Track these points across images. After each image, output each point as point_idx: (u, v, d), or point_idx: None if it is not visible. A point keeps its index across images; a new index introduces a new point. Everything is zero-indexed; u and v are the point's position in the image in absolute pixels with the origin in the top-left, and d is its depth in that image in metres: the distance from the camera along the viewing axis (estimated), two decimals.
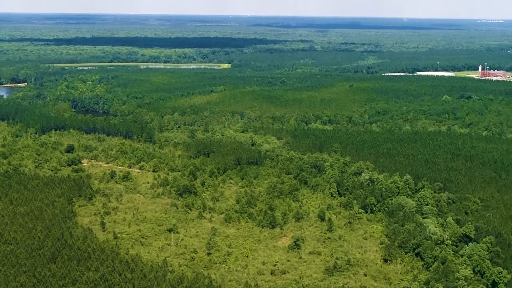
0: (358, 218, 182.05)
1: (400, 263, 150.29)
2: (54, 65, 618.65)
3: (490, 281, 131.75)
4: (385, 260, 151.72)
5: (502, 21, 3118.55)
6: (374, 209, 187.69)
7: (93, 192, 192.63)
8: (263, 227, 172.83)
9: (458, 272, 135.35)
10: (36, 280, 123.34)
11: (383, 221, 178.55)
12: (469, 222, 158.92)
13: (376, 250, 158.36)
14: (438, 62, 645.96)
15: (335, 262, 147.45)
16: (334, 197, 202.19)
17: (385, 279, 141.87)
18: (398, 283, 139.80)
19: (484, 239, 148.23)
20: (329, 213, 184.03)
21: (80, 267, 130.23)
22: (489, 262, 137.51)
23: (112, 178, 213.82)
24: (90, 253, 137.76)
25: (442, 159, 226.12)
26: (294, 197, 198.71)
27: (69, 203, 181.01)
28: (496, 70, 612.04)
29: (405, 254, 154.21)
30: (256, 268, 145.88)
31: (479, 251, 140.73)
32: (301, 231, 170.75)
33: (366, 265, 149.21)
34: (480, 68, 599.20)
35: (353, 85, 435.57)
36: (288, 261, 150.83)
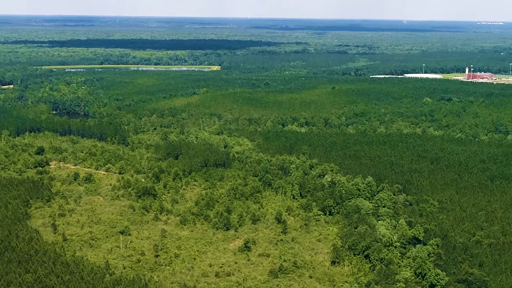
0: (316, 220, 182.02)
1: (348, 265, 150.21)
2: (43, 67, 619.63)
3: (429, 283, 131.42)
4: (333, 262, 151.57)
5: (502, 23, 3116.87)
6: (333, 211, 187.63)
7: (51, 194, 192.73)
8: (217, 229, 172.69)
9: (399, 274, 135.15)
10: None
11: (340, 223, 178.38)
12: (419, 224, 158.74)
13: (327, 252, 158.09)
14: (424, 64, 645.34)
15: (281, 264, 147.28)
16: (296, 199, 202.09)
17: (330, 281, 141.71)
18: (342, 285, 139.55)
19: (430, 242, 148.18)
20: (286, 215, 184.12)
21: (19, 269, 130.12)
22: (431, 264, 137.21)
23: (75, 180, 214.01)
24: (32, 255, 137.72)
25: (407, 161, 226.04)
26: (255, 199, 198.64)
27: (25, 205, 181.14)
28: (483, 72, 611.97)
29: (355, 256, 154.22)
30: (202, 270, 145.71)
31: (422, 253, 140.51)
32: (255, 233, 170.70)
33: (313, 267, 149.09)
34: (467, 70, 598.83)
35: (336, 87, 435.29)
36: (236, 263, 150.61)
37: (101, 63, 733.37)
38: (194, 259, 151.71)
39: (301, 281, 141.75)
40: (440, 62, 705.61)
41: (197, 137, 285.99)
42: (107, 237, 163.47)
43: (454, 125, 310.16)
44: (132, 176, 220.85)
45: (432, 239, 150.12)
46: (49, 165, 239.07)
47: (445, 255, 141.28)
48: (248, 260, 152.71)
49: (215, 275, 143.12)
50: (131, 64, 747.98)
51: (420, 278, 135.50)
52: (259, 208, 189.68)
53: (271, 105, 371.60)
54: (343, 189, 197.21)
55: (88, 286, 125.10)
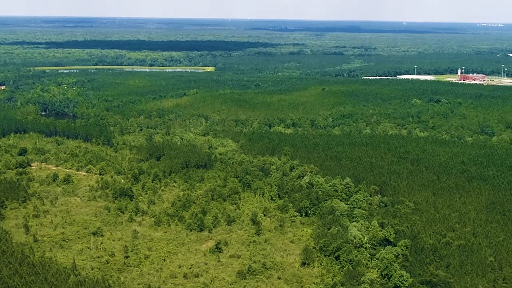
0: (291, 222, 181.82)
1: (318, 267, 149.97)
2: (36, 68, 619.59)
3: (393, 284, 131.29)
4: (303, 264, 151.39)
5: (501, 25, 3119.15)
6: (309, 212, 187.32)
7: (27, 195, 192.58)
8: (191, 230, 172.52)
9: (365, 275, 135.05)
10: None
11: (315, 224, 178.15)
12: (390, 226, 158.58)
13: (299, 254, 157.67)
14: (415, 66, 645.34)
15: (250, 265, 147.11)
16: (274, 200, 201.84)
17: (298, 283, 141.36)
18: (309, 287, 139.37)
19: (399, 243, 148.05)
20: (262, 216, 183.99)
21: None
22: (397, 265, 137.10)
23: (54, 181, 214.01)
24: None
25: (387, 162, 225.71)
26: (233, 200, 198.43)
27: (0, 206, 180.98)
28: (475, 74, 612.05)
29: (325, 257, 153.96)
30: (170, 271, 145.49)
31: (389, 254, 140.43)
32: (229, 235, 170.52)
33: (282, 269, 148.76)
34: (459, 71, 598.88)
35: (325, 88, 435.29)
36: (205, 264, 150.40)
37: (96, 64, 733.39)
38: (164, 260, 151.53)
39: (269, 282, 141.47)
40: (434, 64, 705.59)
41: (182, 138, 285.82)
42: (79, 238, 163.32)
43: (440, 127, 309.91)
44: (111, 177, 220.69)
45: (402, 240, 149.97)
46: (30, 166, 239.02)
47: (413, 257, 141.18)
48: (218, 261, 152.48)
49: (183, 276, 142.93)
50: (126, 65, 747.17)
51: (386, 280, 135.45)
52: (235, 209, 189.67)
53: (260, 106, 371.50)
54: (320, 190, 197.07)
55: (51, 287, 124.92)
